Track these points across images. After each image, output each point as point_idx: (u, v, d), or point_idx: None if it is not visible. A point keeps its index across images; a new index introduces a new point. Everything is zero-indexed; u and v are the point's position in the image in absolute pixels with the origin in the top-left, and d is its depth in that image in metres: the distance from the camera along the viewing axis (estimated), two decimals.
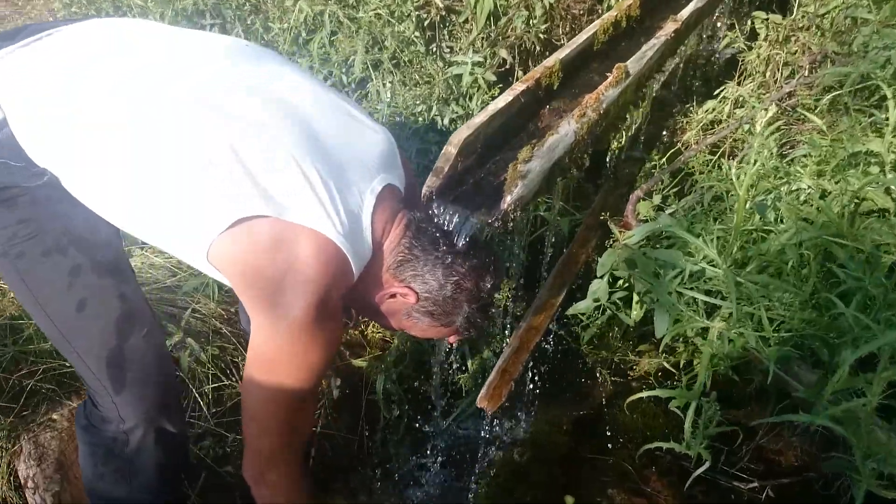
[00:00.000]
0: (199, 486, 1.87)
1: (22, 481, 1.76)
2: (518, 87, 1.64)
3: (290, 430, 1.23)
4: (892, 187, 1.66)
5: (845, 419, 1.34)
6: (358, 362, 2.24)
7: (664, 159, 2.17)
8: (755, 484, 1.99)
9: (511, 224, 1.37)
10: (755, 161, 1.44)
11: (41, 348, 1.92)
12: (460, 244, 1.28)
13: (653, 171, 2.14)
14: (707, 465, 1.56)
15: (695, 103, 2.55)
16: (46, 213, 1.15)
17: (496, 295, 1.41)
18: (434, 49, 2.63)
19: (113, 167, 1.11)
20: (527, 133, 1.64)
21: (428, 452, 2.14)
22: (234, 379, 2.10)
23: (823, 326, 1.35)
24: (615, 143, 2.31)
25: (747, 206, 1.62)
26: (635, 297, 1.76)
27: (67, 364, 1.89)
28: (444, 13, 2.62)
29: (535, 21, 2.65)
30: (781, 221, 1.64)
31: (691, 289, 1.47)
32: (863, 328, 1.21)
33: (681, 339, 1.74)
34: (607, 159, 2.33)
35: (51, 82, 1.13)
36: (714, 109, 2.22)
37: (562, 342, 2.13)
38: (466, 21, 2.65)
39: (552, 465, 2.06)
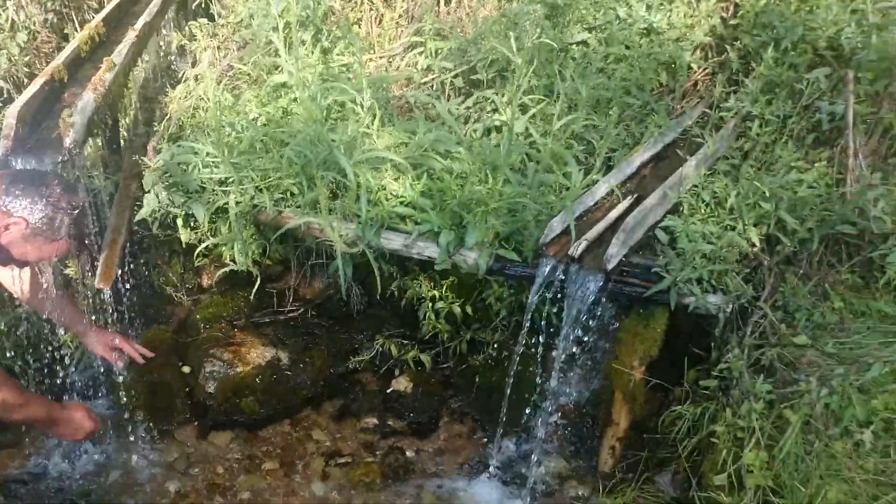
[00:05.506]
0: None
1: None
2: (40, 80, 2.28)
3: None
4: (297, 102, 2.84)
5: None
6: None
7: (164, 124, 3.02)
8: (301, 309, 3.10)
9: (76, 159, 2.06)
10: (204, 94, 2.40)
11: None
12: (48, 178, 1.90)
13: (157, 131, 2.97)
14: (259, 279, 2.55)
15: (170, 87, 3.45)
16: None
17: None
18: None
19: None
20: (59, 107, 2.30)
21: None
22: None
23: (281, 169, 2.43)
24: (124, 122, 3.06)
25: (225, 126, 2.61)
26: (179, 214, 2.60)
27: None
28: None
29: (16, 59, 3.20)
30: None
31: (209, 179, 2.40)
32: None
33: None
34: (121, 137, 3.05)
35: None
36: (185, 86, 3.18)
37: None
38: None
39: None
